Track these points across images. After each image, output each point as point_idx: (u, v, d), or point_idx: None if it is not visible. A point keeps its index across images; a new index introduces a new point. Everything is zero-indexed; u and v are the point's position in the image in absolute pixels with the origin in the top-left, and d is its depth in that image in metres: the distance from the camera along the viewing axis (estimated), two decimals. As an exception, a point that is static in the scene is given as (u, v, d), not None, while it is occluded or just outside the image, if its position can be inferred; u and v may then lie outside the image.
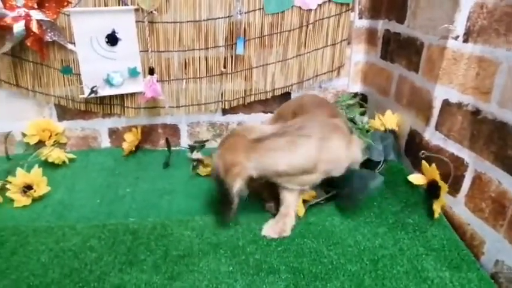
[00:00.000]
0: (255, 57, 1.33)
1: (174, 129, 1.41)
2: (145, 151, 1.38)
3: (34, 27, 1.12)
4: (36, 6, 1.13)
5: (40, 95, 1.28)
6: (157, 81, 1.26)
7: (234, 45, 1.29)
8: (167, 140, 1.34)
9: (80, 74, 1.23)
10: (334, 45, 1.35)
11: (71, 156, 1.29)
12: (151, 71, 1.25)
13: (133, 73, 1.26)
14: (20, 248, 0.89)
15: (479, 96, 0.91)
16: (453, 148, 0.98)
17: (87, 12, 1.17)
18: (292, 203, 0.96)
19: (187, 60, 1.30)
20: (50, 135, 1.31)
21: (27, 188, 1.08)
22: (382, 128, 1.21)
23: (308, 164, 0.91)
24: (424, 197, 1.00)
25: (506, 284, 0.81)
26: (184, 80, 1.33)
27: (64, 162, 1.27)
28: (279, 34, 1.30)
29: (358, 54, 1.41)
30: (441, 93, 1.01)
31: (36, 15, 1.13)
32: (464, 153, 0.94)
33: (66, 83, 1.26)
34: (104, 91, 1.25)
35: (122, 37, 1.21)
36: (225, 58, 1.31)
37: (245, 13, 1.25)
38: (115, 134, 1.39)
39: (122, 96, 1.31)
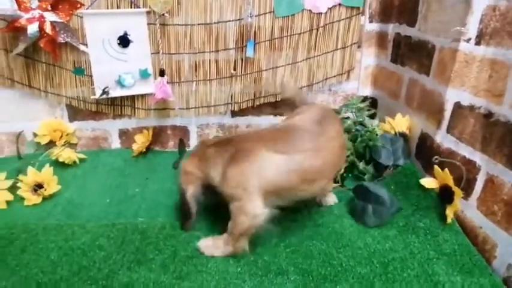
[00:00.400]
0: (264, 60, 1.33)
1: (183, 131, 1.42)
2: (155, 152, 1.38)
3: (48, 28, 1.14)
4: (50, 8, 1.14)
5: (52, 95, 1.29)
6: (167, 82, 1.27)
7: (244, 48, 1.29)
8: (181, 141, 1.35)
9: (91, 75, 1.25)
10: (344, 49, 1.35)
11: (82, 156, 1.30)
12: (161, 73, 1.26)
13: (144, 75, 1.26)
14: (30, 245, 0.89)
15: (492, 98, 0.90)
16: (465, 151, 0.97)
17: (99, 14, 1.19)
18: (236, 229, 0.84)
19: (197, 63, 1.31)
20: (61, 136, 1.33)
21: (38, 186, 1.09)
22: (392, 132, 1.20)
23: (217, 181, 0.87)
24: (436, 201, 0.99)
25: (519, 289, 0.79)
26: (194, 82, 1.33)
27: (74, 162, 1.28)
28: (289, 37, 1.30)
29: (368, 58, 1.40)
30: (453, 96, 1.00)
31: (50, 16, 1.14)
32: (476, 156, 0.93)
33: (77, 84, 1.28)
34: (115, 92, 1.27)
35: (134, 39, 1.23)
36: (235, 61, 1.32)
37: (255, 16, 1.26)
38: (125, 135, 1.40)
39: (132, 98, 1.32)
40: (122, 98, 1.31)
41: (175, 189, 1.14)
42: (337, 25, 1.31)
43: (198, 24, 1.25)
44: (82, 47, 1.22)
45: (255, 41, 1.28)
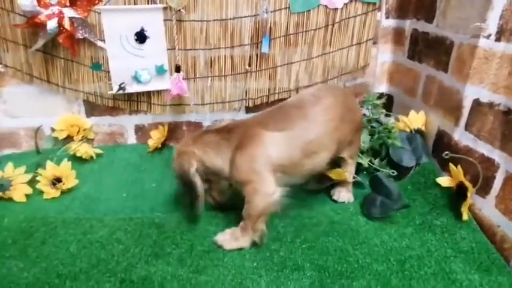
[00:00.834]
0: (279, 56, 1.33)
1: (198, 127, 1.43)
2: (171, 148, 1.39)
3: (66, 24, 1.15)
4: (68, 4, 1.16)
5: (70, 91, 1.31)
6: (183, 78, 1.28)
7: (259, 44, 1.29)
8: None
9: (108, 71, 1.26)
10: (359, 45, 1.34)
11: (98, 151, 1.32)
12: (177, 69, 1.27)
13: (160, 71, 1.27)
14: (49, 238, 0.91)
15: (512, 95, 0.89)
16: (483, 149, 0.95)
17: (117, 10, 1.20)
18: (253, 210, 0.86)
19: (212, 58, 1.31)
20: (78, 131, 1.34)
21: (57, 180, 1.10)
22: (408, 130, 1.19)
23: (225, 170, 0.90)
24: (453, 199, 0.98)
25: (538, 289, 0.78)
26: (210, 78, 1.34)
27: (91, 157, 1.29)
28: (304, 33, 1.30)
29: (384, 54, 1.39)
30: (471, 92, 0.99)
31: (69, 12, 1.15)
32: (495, 154, 0.92)
33: (95, 80, 1.29)
34: (132, 88, 1.28)
35: (150, 35, 1.23)
36: (250, 56, 1.32)
37: (271, 12, 1.25)
38: (141, 131, 1.41)
39: (148, 94, 1.33)
40: (138, 93, 1.32)
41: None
42: (352, 21, 1.30)
43: (214, 20, 1.26)
44: (99, 43, 1.23)
45: (270, 36, 1.28)
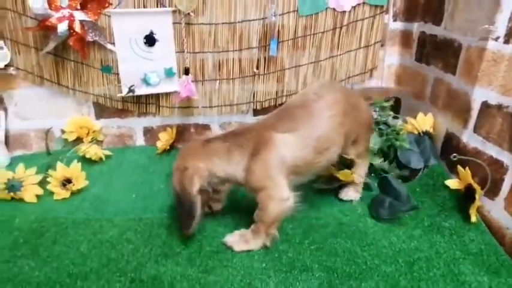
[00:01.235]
0: (287, 59, 1.34)
1: (206, 129, 1.44)
2: (179, 150, 1.40)
3: (77, 27, 1.17)
4: (79, 7, 1.17)
5: (80, 93, 1.32)
6: (192, 81, 1.29)
7: (267, 47, 1.30)
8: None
9: (118, 74, 1.27)
10: (367, 47, 1.34)
11: (108, 153, 1.33)
12: (186, 71, 1.28)
13: (169, 73, 1.29)
14: (60, 238, 0.92)
15: (521, 98, 0.89)
16: (492, 151, 0.95)
17: (126, 13, 1.21)
18: (268, 216, 0.86)
19: (221, 61, 1.32)
20: (88, 133, 1.36)
21: (67, 181, 1.11)
22: (416, 132, 1.19)
23: (239, 177, 0.88)
24: (462, 201, 0.98)
25: (548, 291, 0.78)
26: (218, 81, 1.35)
27: (101, 158, 1.31)
28: (312, 36, 1.31)
29: (391, 57, 1.40)
30: (480, 95, 0.99)
31: (79, 15, 1.17)
32: (504, 156, 0.92)
33: (104, 82, 1.31)
34: (141, 90, 1.29)
35: (160, 38, 1.25)
36: (258, 59, 1.33)
37: (279, 15, 1.26)
38: (149, 133, 1.42)
39: (157, 96, 1.34)
40: (147, 96, 1.33)
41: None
42: (360, 24, 1.30)
43: (223, 23, 1.27)
44: (109, 46, 1.25)
45: (278, 39, 1.29)
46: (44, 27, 1.17)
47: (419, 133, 1.18)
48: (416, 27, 1.31)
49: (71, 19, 1.16)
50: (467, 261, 0.85)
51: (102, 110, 1.37)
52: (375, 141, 1.16)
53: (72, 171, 1.13)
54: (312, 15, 1.28)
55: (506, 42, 0.93)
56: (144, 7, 1.22)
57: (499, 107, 0.94)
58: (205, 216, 0.95)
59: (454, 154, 1.03)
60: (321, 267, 0.83)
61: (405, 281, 0.79)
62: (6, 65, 1.26)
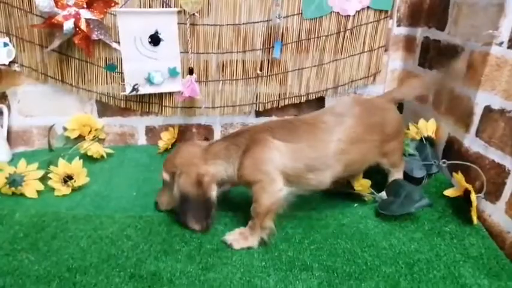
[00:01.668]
0: (291, 62, 1.34)
1: (208, 130, 1.44)
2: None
3: (82, 25, 1.18)
4: (85, 5, 1.18)
5: (83, 91, 1.33)
6: (195, 81, 1.29)
7: (271, 49, 1.31)
8: (206, 139, 1.37)
9: (122, 72, 1.28)
10: (371, 52, 1.35)
11: (109, 151, 1.33)
12: (190, 71, 1.29)
13: (173, 73, 1.29)
14: (60, 233, 0.92)
15: (524, 102, 0.89)
16: (494, 155, 0.95)
17: (132, 12, 1.22)
18: (261, 207, 0.88)
19: (224, 62, 1.33)
20: (90, 131, 1.36)
21: (68, 178, 1.11)
22: (418, 137, 1.19)
23: (234, 175, 0.91)
24: (463, 207, 0.98)
25: (549, 296, 0.78)
26: (221, 82, 1.36)
27: (102, 156, 1.31)
28: (316, 39, 1.32)
29: (395, 62, 1.40)
30: (482, 99, 0.99)
31: (85, 14, 1.18)
32: (506, 160, 0.92)
33: (108, 81, 1.31)
34: (144, 89, 1.30)
35: (164, 38, 1.26)
36: (261, 61, 1.33)
37: (284, 18, 1.27)
38: (151, 132, 1.43)
39: (160, 96, 1.34)
40: (150, 95, 1.34)
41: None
42: (364, 28, 1.31)
43: (227, 25, 1.28)
44: (114, 45, 1.25)
45: (282, 42, 1.30)
46: (50, 25, 1.18)
47: (421, 138, 1.18)
48: (420, 33, 1.32)
49: (77, 17, 1.17)
50: (468, 264, 0.84)
51: (104, 109, 1.38)
52: None
53: (74, 168, 1.13)
54: (316, 18, 1.29)
55: (510, 47, 0.93)
56: (149, 7, 1.23)
57: (502, 111, 0.94)
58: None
59: (443, 160, 1.06)
60: (321, 267, 0.82)
61: (405, 282, 0.79)
62: (11, 62, 1.27)
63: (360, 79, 1.38)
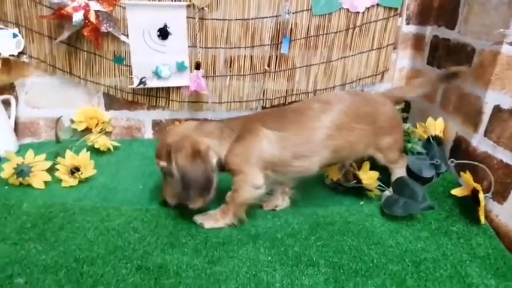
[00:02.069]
0: (299, 58, 1.34)
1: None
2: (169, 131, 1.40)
3: (92, 17, 1.18)
4: (95, -3, 1.18)
5: (91, 83, 1.33)
6: (202, 76, 1.29)
7: (279, 45, 1.31)
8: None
9: (130, 65, 1.28)
10: (379, 49, 1.34)
11: (116, 144, 1.34)
12: (197, 66, 1.29)
13: (180, 67, 1.29)
14: (67, 224, 0.92)
15: (534, 102, 0.89)
16: (502, 155, 0.95)
17: (141, 5, 1.22)
18: (239, 198, 0.92)
19: (232, 58, 1.33)
20: (97, 123, 1.37)
21: (75, 169, 1.12)
22: (425, 136, 1.18)
23: (223, 157, 0.92)
24: (470, 207, 0.97)
25: (556, 297, 0.77)
26: (228, 77, 1.35)
27: (109, 149, 1.31)
28: (324, 36, 1.31)
29: (403, 60, 1.40)
30: (492, 99, 0.99)
31: (95, 6, 1.18)
32: (515, 161, 0.92)
33: (116, 74, 1.32)
34: (152, 83, 1.30)
35: (173, 32, 1.25)
36: (269, 57, 1.33)
37: (293, 13, 1.27)
38: (158, 126, 1.43)
39: (167, 89, 1.34)
40: (157, 89, 1.34)
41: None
42: (373, 25, 1.31)
43: (236, 20, 1.27)
44: (123, 37, 1.25)
45: (290, 38, 1.29)
46: (59, 16, 1.18)
47: (428, 138, 1.18)
48: (429, 31, 1.31)
49: (86, 9, 1.17)
50: (474, 264, 0.84)
51: (112, 102, 1.38)
52: None
53: (81, 160, 1.13)
54: (325, 14, 1.28)
55: (521, 46, 0.93)
56: (159, 0, 1.23)
57: (511, 111, 0.94)
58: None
59: (451, 159, 1.05)
60: (327, 263, 0.82)
61: (412, 280, 0.78)
62: (19, 53, 1.27)
63: (368, 77, 1.38)
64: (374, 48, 1.34)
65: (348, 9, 1.27)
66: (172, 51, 1.27)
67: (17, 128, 1.36)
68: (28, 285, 0.74)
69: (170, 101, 1.37)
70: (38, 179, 1.09)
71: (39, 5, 1.22)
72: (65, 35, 1.21)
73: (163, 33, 1.25)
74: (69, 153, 1.14)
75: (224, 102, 1.39)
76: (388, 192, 1.04)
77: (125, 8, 1.22)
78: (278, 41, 1.30)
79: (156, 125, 1.43)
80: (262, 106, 1.41)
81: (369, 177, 1.05)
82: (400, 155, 1.08)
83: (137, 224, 0.93)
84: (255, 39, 1.31)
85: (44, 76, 1.32)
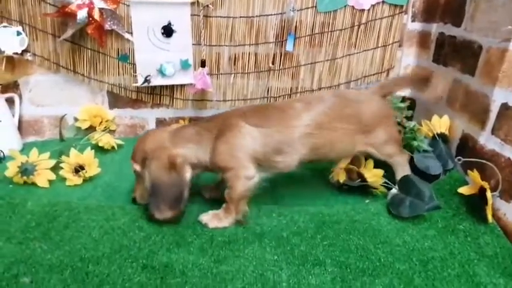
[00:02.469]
0: (303, 55, 1.33)
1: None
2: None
3: (96, 15, 1.17)
4: (98, -5, 1.18)
5: (95, 81, 1.33)
6: (207, 74, 1.29)
7: (283, 42, 1.30)
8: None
9: (134, 64, 1.28)
10: (384, 47, 1.33)
11: (120, 142, 1.33)
12: (202, 64, 1.28)
13: (185, 65, 1.29)
14: (72, 222, 0.92)
15: (543, 100, 0.88)
16: (510, 153, 0.94)
17: (145, 3, 1.22)
18: (236, 194, 0.91)
19: (236, 55, 1.32)
20: (101, 121, 1.36)
21: (80, 168, 1.11)
22: (431, 134, 1.17)
23: (207, 160, 0.92)
24: (477, 205, 0.97)
25: None
26: (233, 75, 1.35)
27: (113, 147, 1.31)
28: (329, 33, 1.30)
29: (408, 58, 1.39)
30: (500, 96, 0.98)
31: (99, 3, 1.18)
32: (523, 159, 0.91)
33: (120, 72, 1.31)
34: (156, 81, 1.29)
35: (177, 29, 1.25)
36: (273, 54, 1.32)
37: (297, 10, 1.26)
38: (162, 124, 1.42)
39: (171, 88, 1.34)
40: (161, 87, 1.34)
41: (212, 178, 1.14)
42: (379, 23, 1.30)
43: (240, 17, 1.27)
44: (127, 35, 1.25)
45: (295, 35, 1.29)
46: (63, 14, 1.18)
47: (433, 136, 1.17)
48: (435, 28, 1.30)
49: (90, 7, 1.17)
50: (482, 263, 0.83)
51: (115, 100, 1.38)
52: None
53: (86, 158, 1.13)
54: (331, 12, 1.27)
55: (529, 43, 0.92)
56: (163, -3, 1.23)
57: (519, 109, 0.93)
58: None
59: (459, 157, 1.05)
60: (333, 262, 0.82)
61: (419, 279, 0.78)
62: (23, 51, 1.26)
63: (373, 74, 1.37)
64: (379, 45, 1.33)
65: (353, 7, 1.26)
66: (177, 49, 1.27)
67: (20, 126, 1.36)
68: (34, 284, 0.74)
69: (174, 99, 1.36)
70: (42, 178, 1.08)
71: (43, 2, 1.22)
72: (69, 32, 1.21)
73: (168, 31, 1.24)
74: (73, 151, 1.13)
75: (228, 100, 1.38)
76: (395, 190, 1.04)
77: (129, 5, 1.21)
78: (283, 38, 1.30)
79: (160, 123, 1.42)
80: (267, 104, 1.40)
81: (373, 175, 1.04)
82: (398, 149, 1.06)
83: (142, 222, 0.93)
84: (259, 37, 1.30)
85: (47, 74, 1.32)
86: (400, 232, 0.92)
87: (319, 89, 1.37)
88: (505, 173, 0.95)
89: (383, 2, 1.27)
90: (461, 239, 0.91)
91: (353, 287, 0.76)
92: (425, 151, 1.12)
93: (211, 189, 1.06)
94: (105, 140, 1.29)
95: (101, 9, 1.18)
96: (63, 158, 1.12)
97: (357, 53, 1.33)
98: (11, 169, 1.06)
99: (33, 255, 0.81)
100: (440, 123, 1.17)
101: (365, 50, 1.33)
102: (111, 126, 1.38)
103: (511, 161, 0.94)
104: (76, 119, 1.37)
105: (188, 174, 0.91)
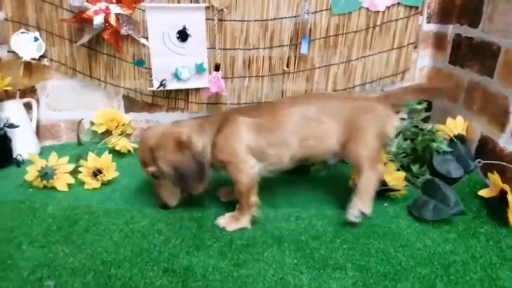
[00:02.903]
0: (318, 58, 1.33)
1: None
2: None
3: (112, 20, 1.19)
4: (115, 0, 1.19)
5: (111, 86, 1.34)
6: (221, 77, 1.29)
7: (298, 45, 1.30)
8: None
9: (150, 68, 1.28)
10: (400, 49, 1.33)
11: (136, 146, 1.34)
12: (217, 67, 1.28)
13: (200, 69, 1.29)
14: (92, 226, 0.93)
15: None
16: (532, 156, 0.93)
17: (161, 8, 1.23)
18: (242, 187, 0.93)
19: (251, 59, 1.32)
20: (117, 126, 1.37)
21: (98, 171, 1.12)
22: (448, 136, 1.16)
23: (209, 151, 0.96)
24: (498, 208, 0.96)
25: None
26: (247, 78, 1.35)
27: (129, 151, 1.32)
28: (344, 35, 1.30)
29: (424, 59, 1.38)
30: (520, 98, 0.97)
31: (115, 9, 1.19)
32: (545, 161, 0.90)
33: (136, 76, 1.32)
34: (172, 85, 1.30)
35: (192, 33, 1.26)
36: (288, 57, 1.32)
37: (312, 13, 1.26)
38: (177, 128, 1.43)
39: (186, 91, 1.35)
40: (176, 91, 1.34)
41: (227, 182, 1.14)
42: (394, 24, 1.29)
43: (255, 21, 1.27)
44: (143, 40, 1.26)
45: (309, 38, 1.28)
46: (80, 20, 1.19)
47: (451, 138, 1.15)
48: (451, 30, 1.29)
49: (106, 12, 1.18)
50: (505, 267, 0.82)
51: (131, 104, 1.39)
52: (397, 145, 1.12)
53: (103, 162, 1.14)
54: (345, 14, 1.27)
55: (549, 44, 0.91)
56: (178, 2, 1.23)
57: (541, 110, 0.92)
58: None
59: (479, 160, 1.04)
60: (354, 266, 0.82)
61: (442, 284, 0.77)
62: (40, 56, 1.28)
63: (388, 76, 1.36)
64: (394, 47, 1.32)
65: (368, 8, 1.26)
66: (192, 53, 1.27)
67: (38, 131, 1.37)
68: (57, 288, 0.74)
69: (189, 103, 1.37)
70: (62, 182, 1.10)
71: (60, 8, 1.24)
72: (86, 38, 1.22)
73: (183, 35, 1.25)
74: (91, 155, 1.14)
75: (243, 104, 1.38)
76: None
77: (144, 10, 1.22)
78: (297, 41, 1.29)
79: (175, 126, 1.43)
80: (281, 107, 1.40)
81: (394, 179, 1.03)
82: (371, 159, 0.96)
83: (161, 226, 0.93)
84: (273, 40, 1.30)
85: (64, 79, 1.34)
86: (421, 235, 0.92)
87: (334, 91, 1.37)
88: (525, 175, 0.94)
89: (398, 3, 1.26)
90: (482, 242, 0.90)
91: (375, 291, 0.76)
92: (445, 152, 1.10)
93: (227, 192, 1.06)
94: (122, 144, 1.30)
95: (117, 15, 1.19)
96: (82, 162, 1.13)
97: (372, 55, 1.32)
98: (31, 173, 1.08)
99: (56, 258, 0.82)
100: (455, 125, 1.16)
101: (380, 52, 1.32)
102: (127, 130, 1.39)
103: (532, 163, 0.93)
104: (92, 123, 1.39)
105: (200, 143, 0.94)
